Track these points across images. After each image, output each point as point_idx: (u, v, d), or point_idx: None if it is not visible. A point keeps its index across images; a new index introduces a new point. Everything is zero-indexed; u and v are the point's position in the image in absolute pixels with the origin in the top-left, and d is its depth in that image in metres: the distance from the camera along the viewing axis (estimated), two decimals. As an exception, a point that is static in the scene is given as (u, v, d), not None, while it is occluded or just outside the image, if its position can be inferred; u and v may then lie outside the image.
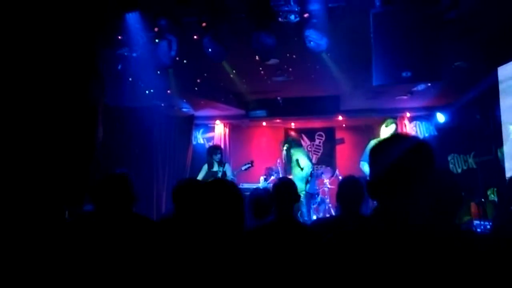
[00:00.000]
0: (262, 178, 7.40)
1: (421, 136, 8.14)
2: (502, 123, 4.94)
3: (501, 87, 4.84)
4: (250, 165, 6.94)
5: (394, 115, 8.14)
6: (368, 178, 1.25)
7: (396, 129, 5.58)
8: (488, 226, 4.83)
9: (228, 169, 6.76)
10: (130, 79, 5.25)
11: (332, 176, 7.83)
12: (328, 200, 7.41)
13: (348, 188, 2.78)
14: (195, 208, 1.68)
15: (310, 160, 6.98)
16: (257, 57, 4.60)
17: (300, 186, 6.16)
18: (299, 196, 2.69)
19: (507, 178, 4.66)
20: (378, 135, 5.69)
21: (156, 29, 4.36)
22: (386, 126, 5.72)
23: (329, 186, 7.58)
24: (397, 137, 1.33)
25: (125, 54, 4.71)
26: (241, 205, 1.78)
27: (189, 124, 8.21)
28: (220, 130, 8.91)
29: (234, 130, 9.17)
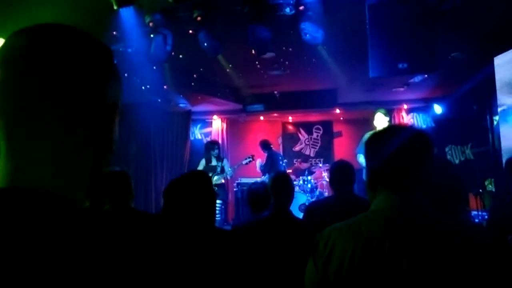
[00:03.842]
0: (258, 161, 7.41)
1: (418, 126, 8.17)
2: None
3: (497, 77, 4.83)
4: (251, 159, 6.97)
5: (392, 107, 8.16)
6: (365, 169, 1.25)
7: (389, 119, 5.60)
8: (486, 217, 4.84)
9: (226, 164, 6.78)
10: (125, 74, 5.22)
11: (330, 169, 7.83)
12: (326, 194, 7.43)
13: (339, 172, 2.83)
14: (173, 202, 1.69)
15: None
16: (253, 51, 4.58)
17: None
18: (294, 189, 2.71)
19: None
20: (375, 128, 5.69)
21: (151, 24, 4.33)
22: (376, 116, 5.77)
23: (327, 179, 7.59)
24: (393, 129, 1.29)
25: (120, 49, 4.68)
26: (208, 194, 1.78)
27: (186, 119, 8.21)
28: (217, 125, 8.91)
29: (232, 125, 9.17)
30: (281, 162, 7.23)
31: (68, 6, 3.57)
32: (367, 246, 1.05)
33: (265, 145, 7.41)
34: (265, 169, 7.25)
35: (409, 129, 1.20)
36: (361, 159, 5.45)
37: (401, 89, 6.88)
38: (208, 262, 1.56)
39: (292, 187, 2.62)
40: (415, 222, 1.06)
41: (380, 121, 5.44)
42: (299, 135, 9.50)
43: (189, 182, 1.71)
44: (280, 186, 2.55)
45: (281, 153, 8.70)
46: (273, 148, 7.57)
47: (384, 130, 1.28)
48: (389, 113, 8.20)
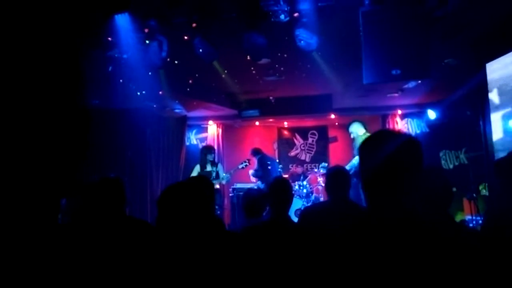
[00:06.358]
0: (250, 171, 7.44)
1: (412, 132, 8.23)
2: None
3: (489, 82, 4.89)
4: (247, 163, 6.99)
5: (386, 112, 8.23)
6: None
7: (364, 129, 6.01)
8: (480, 222, 4.87)
9: (220, 169, 6.78)
10: (121, 80, 5.23)
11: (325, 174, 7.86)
12: (322, 199, 7.44)
13: (335, 177, 2.84)
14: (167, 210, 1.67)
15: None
16: (248, 57, 4.60)
17: None
18: (293, 195, 2.72)
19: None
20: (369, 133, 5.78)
21: (146, 30, 4.34)
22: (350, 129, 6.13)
23: (322, 184, 7.61)
24: (386, 134, 1.33)
25: (116, 55, 4.69)
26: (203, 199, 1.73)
27: (182, 125, 8.20)
28: (213, 130, 8.91)
29: (227, 130, 9.18)
30: (269, 167, 7.24)
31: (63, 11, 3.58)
32: (361, 250, 1.08)
33: (255, 152, 7.54)
34: (257, 173, 7.28)
35: (401, 135, 1.24)
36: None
37: (396, 94, 6.93)
38: (206, 267, 1.56)
39: (291, 192, 2.63)
40: (406, 225, 1.09)
41: (358, 131, 5.97)
42: (295, 140, 9.53)
43: (182, 190, 1.70)
44: (279, 191, 2.56)
45: (277, 158, 8.72)
46: (264, 152, 7.60)
47: (377, 136, 1.31)
48: (383, 118, 8.32)
